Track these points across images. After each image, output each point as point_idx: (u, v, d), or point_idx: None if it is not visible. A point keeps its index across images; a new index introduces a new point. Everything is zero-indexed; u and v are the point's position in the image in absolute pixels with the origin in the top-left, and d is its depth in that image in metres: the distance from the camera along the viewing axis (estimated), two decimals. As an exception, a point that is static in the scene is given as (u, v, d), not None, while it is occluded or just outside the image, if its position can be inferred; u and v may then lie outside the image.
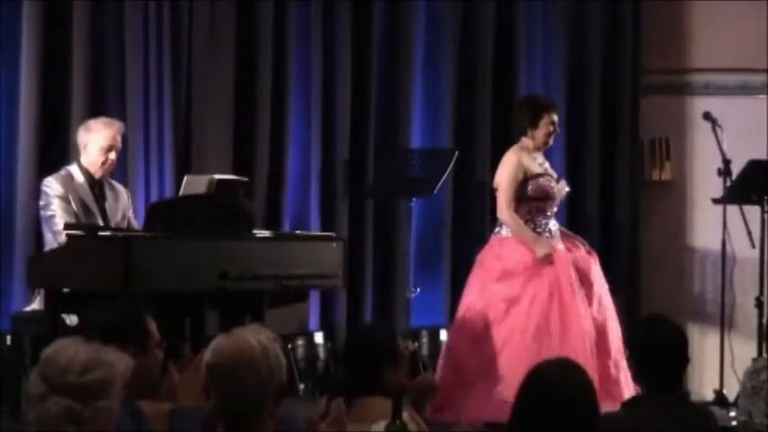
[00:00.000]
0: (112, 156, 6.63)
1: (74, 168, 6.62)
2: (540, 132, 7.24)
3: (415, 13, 8.47)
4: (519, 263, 7.07)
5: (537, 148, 7.28)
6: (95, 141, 6.60)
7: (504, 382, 6.75)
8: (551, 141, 7.32)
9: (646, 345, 4.09)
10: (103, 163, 6.61)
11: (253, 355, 3.41)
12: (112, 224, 6.58)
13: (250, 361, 3.40)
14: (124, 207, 6.76)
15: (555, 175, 7.35)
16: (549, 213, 7.24)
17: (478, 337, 7.05)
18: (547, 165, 7.35)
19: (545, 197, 7.20)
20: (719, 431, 4.27)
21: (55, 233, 6.41)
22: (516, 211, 7.14)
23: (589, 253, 7.29)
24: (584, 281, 7.12)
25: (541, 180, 7.20)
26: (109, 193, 6.70)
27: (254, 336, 3.45)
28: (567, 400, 3.20)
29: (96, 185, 6.64)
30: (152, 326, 4.07)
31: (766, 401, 3.81)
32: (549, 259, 7.00)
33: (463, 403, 6.91)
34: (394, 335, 4.67)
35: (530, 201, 7.18)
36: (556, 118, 7.29)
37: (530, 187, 7.17)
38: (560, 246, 7.18)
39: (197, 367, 3.97)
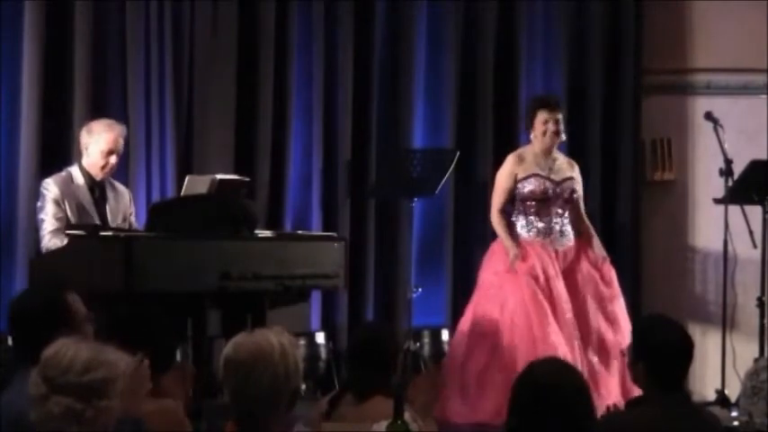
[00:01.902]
0: (113, 159, 6.62)
1: (74, 170, 6.62)
2: (537, 132, 7.29)
3: (417, 13, 8.47)
4: (503, 267, 7.24)
5: (543, 151, 7.31)
6: (96, 144, 6.59)
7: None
8: (549, 141, 7.33)
9: (649, 346, 4.08)
10: (104, 166, 6.60)
11: (272, 354, 3.40)
12: (112, 226, 6.57)
13: (269, 360, 3.39)
14: (125, 208, 6.75)
15: (559, 178, 7.36)
16: (546, 214, 7.28)
17: (475, 340, 7.18)
18: (559, 167, 7.37)
19: (535, 198, 7.28)
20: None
21: (41, 237, 6.43)
22: (512, 210, 7.32)
23: (603, 260, 7.38)
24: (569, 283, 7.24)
25: (528, 182, 7.27)
26: (110, 194, 6.69)
27: (277, 337, 3.45)
28: (561, 398, 3.20)
29: (97, 187, 6.63)
30: (75, 302, 3.99)
31: (767, 402, 3.80)
32: (517, 260, 7.15)
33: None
34: (397, 335, 4.68)
35: (522, 201, 7.31)
36: (552, 116, 7.28)
37: (519, 188, 7.30)
38: (557, 248, 7.28)
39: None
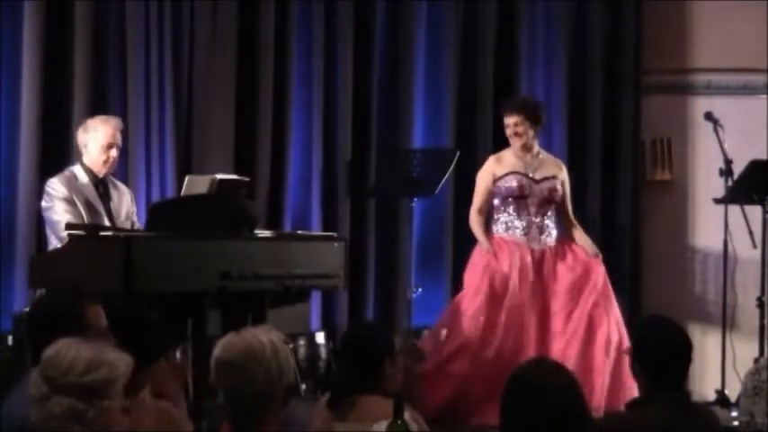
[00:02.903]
0: (113, 153, 6.64)
1: (77, 169, 6.63)
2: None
3: (417, 13, 8.47)
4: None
5: (517, 151, 7.44)
6: (95, 140, 6.61)
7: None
8: (513, 143, 7.44)
9: (649, 346, 4.08)
10: (105, 161, 6.62)
11: (263, 353, 3.41)
12: (118, 224, 6.58)
13: (260, 359, 3.40)
14: (128, 207, 6.76)
15: (539, 177, 7.40)
16: (525, 213, 7.35)
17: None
18: (542, 166, 7.41)
19: (513, 195, 7.38)
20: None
21: (61, 240, 6.39)
22: (493, 208, 7.44)
23: (596, 256, 7.39)
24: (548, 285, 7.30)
25: (506, 179, 7.39)
26: (113, 193, 6.70)
27: (265, 335, 3.46)
28: (552, 398, 3.20)
29: (101, 185, 6.64)
30: (94, 314, 3.96)
31: (767, 401, 3.80)
32: (490, 252, 7.29)
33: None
34: (390, 333, 4.68)
35: (501, 199, 7.42)
36: (506, 120, 7.43)
37: (498, 186, 7.41)
38: (533, 246, 7.32)
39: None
